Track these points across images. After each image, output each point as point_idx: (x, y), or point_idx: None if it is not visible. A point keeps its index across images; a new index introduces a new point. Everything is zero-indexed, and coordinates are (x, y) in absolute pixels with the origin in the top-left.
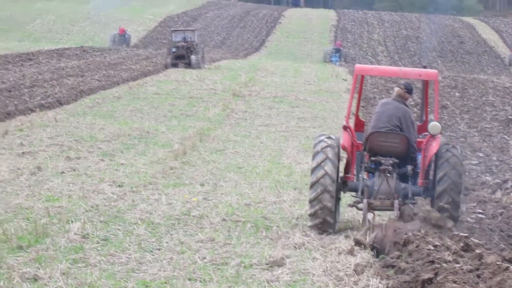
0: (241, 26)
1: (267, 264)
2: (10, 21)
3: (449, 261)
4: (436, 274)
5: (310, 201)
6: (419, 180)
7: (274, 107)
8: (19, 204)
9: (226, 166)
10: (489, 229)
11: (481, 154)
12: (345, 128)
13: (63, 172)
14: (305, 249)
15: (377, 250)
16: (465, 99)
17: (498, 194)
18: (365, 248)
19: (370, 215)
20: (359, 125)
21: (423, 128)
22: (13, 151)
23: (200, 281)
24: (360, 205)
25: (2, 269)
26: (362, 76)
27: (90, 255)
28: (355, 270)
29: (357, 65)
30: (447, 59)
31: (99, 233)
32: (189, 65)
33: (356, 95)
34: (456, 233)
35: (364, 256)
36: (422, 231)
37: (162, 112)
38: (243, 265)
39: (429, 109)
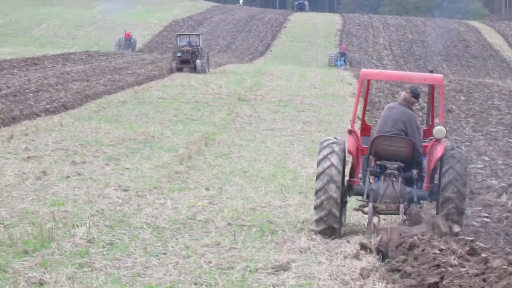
0: (246, 30)
1: (272, 268)
2: (15, 26)
3: (455, 265)
4: (442, 278)
5: (315, 208)
6: (424, 184)
7: (279, 111)
8: (25, 208)
9: (231, 170)
10: (494, 233)
11: (486, 158)
12: (350, 132)
13: (69, 177)
14: (311, 253)
15: (383, 253)
16: (470, 103)
17: (504, 198)
18: (370, 252)
19: (375, 219)
20: (365, 129)
21: (429, 132)
22: (19, 156)
23: (206, 286)
24: (366, 209)
25: (8, 274)
26: (368, 81)
27: (96, 260)
28: (360, 274)
29: (363, 70)
30: (452, 63)
31: (105, 237)
32: (194, 69)
33: (361, 100)
34: (461, 237)
35: (369, 260)
36: (428, 235)
37: (167, 117)
38: (248, 269)
39: (435, 113)
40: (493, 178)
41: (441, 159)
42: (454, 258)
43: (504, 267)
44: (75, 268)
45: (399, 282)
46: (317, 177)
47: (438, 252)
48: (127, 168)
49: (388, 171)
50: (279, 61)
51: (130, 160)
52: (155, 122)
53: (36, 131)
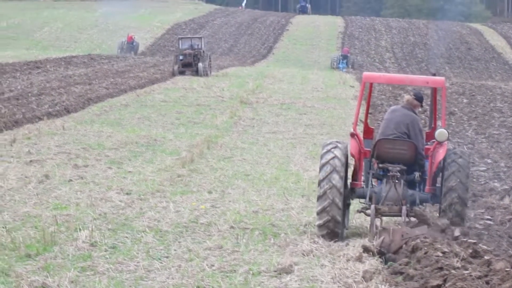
0: (248, 33)
1: (275, 271)
2: (18, 30)
3: (458, 268)
4: (444, 281)
5: (318, 213)
6: (427, 187)
7: (281, 114)
8: (27, 212)
9: (234, 174)
10: (497, 235)
11: (489, 161)
12: (353, 135)
13: (71, 180)
14: (314, 256)
15: (385, 255)
16: (473, 106)
17: (507, 200)
18: (373, 255)
19: (377, 221)
20: (368, 132)
21: (431, 135)
22: (21, 159)
23: None
24: (368, 211)
25: (11, 278)
26: (371, 84)
27: (99, 263)
28: (363, 277)
29: (365, 73)
30: (455, 65)
31: (107, 241)
32: (196, 72)
33: (364, 103)
34: (464, 239)
35: (372, 263)
36: (430, 238)
37: (170, 120)
38: (251, 272)
39: (437, 116)
40: (496, 181)
41: (443, 162)
42: (457, 261)
43: (507, 269)
44: (78, 271)
45: (402, 285)
46: (319, 183)
47: (441, 254)
48: (129, 172)
49: (391, 173)
50: (281, 64)
51: (132, 164)
52: (158, 126)
53: (38, 135)
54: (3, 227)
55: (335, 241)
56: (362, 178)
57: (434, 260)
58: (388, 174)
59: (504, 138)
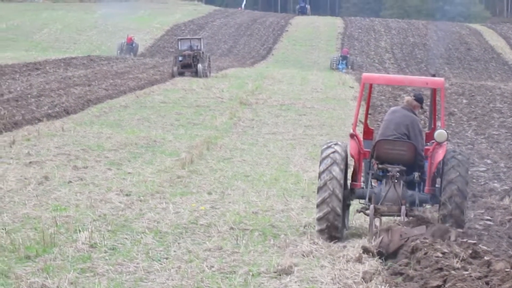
0: (248, 34)
1: (275, 272)
2: (17, 31)
3: (458, 268)
4: (444, 282)
5: (318, 205)
6: (426, 187)
7: (281, 115)
8: (27, 213)
9: (234, 175)
10: (497, 236)
11: (489, 161)
12: (352, 136)
13: (70, 182)
14: (313, 257)
15: (383, 255)
16: (472, 106)
17: (506, 201)
18: (373, 255)
19: (377, 221)
20: (368, 133)
21: (431, 135)
22: (20, 161)
23: None
24: (368, 211)
25: (10, 279)
26: (370, 85)
27: (98, 265)
28: (363, 278)
29: (364, 74)
30: (454, 66)
31: (107, 242)
32: (195, 73)
33: (363, 103)
34: (464, 240)
35: (372, 263)
36: (430, 239)
37: (169, 121)
38: (251, 273)
39: (436, 117)
40: (496, 181)
41: (442, 162)
42: (457, 261)
43: (507, 270)
44: (77, 273)
45: (402, 286)
46: (320, 175)
47: (440, 255)
48: (129, 173)
49: (390, 173)
50: (281, 65)
51: (132, 165)
52: (157, 127)
53: (38, 136)
54: (3, 229)
55: (334, 242)
56: (362, 178)
57: (434, 260)
58: (388, 174)
59: (503, 138)
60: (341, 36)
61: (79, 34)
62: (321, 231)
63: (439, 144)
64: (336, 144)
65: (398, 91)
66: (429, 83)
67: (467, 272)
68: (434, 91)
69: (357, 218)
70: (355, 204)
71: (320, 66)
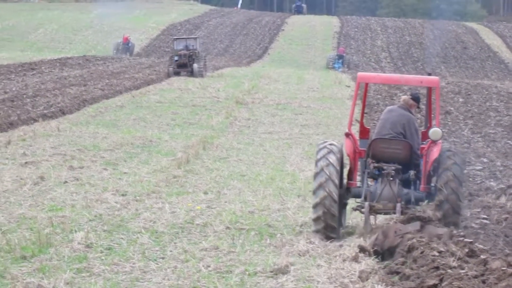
0: (244, 33)
1: (271, 271)
2: (13, 31)
3: (454, 267)
4: (441, 280)
5: (314, 206)
6: (421, 186)
7: (277, 114)
8: (23, 214)
9: (230, 174)
10: (493, 235)
11: (485, 160)
12: (347, 135)
13: (66, 182)
14: (310, 256)
15: (379, 252)
16: (469, 105)
17: (503, 200)
18: (369, 254)
19: (372, 219)
20: (364, 132)
21: (427, 134)
22: (16, 161)
23: None
24: (364, 209)
25: (6, 279)
26: (366, 84)
27: (94, 265)
28: (359, 277)
29: (360, 73)
30: (450, 64)
31: (103, 242)
32: (191, 73)
33: (360, 102)
34: (460, 238)
35: (368, 262)
36: (426, 238)
37: (165, 121)
38: (247, 273)
39: (433, 115)
40: (492, 180)
41: (437, 160)
42: (453, 260)
43: (503, 268)
44: (73, 273)
45: (398, 285)
46: (315, 176)
47: (437, 254)
48: (125, 173)
49: (385, 171)
50: (277, 64)
51: (128, 165)
52: (153, 127)
53: (33, 136)
54: None
55: (331, 241)
56: (357, 177)
57: (430, 259)
58: (383, 172)
59: (500, 137)
60: (337, 35)
61: (74, 34)
62: (317, 231)
63: (434, 142)
64: (331, 144)
65: (394, 90)
66: (424, 82)
67: (463, 271)
68: (430, 90)
69: (353, 217)
70: (352, 203)
71: (316, 65)
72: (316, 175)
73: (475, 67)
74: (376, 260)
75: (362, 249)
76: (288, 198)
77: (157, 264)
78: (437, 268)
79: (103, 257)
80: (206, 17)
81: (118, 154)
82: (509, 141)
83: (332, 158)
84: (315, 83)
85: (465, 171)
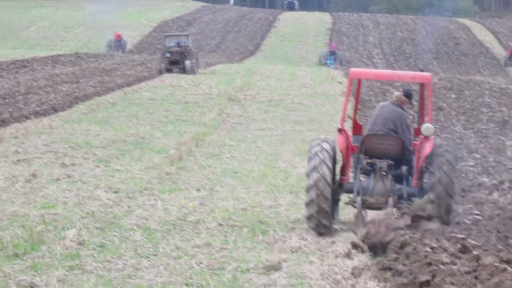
0: (236, 30)
1: (264, 268)
2: (5, 29)
3: (447, 263)
4: (433, 276)
5: (307, 204)
6: (414, 181)
7: (269, 111)
8: (15, 211)
9: (222, 171)
10: (486, 230)
11: (477, 156)
12: (340, 131)
13: (59, 179)
14: (302, 252)
15: (370, 246)
16: (461, 101)
17: (495, 195)
18: (362, 251)
19: (364, 213)
20: (357, 128)
21: (420, 130)
22: (8, 159)
23: (197, 286)
24: (356, 204)
25: None
26: (359, 80)
27: (86, 262)
28: (352, 273)
29: (352, 69)
30: (443, 60)
31: (95, 239)
32: (183, 70)
33: (352, 99)
34: (453, 234)
35: (361, 259)
36: (418, 234)
37: (158, 118)
38: (240, 269)
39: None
40: (485, 176)
41: (430, 156)
42: (446, 256)
43: (495, 264)
44: (66, 270)
45: (391, 281)
46: (308, 174)
47: (429, 250)
48: (117, 170)
49: (377, 167)
50: (269, 61)
51: (120, 162)
52: (145, 123)
53: (25, 134)
54: None
55: (323, 238)
56: (350, 173)
57: (422, 255)
58: (376, 168)
59: (492, 133)
60: (330, 32)
61: (66, 31)
62: (310, 229)
63: (427, 138)
64: (324, 141)
65: (387, 87)
66: (416, 78)
67: (456, 267)
68: (422, 86)
69: (346, 213)
70: (344, 199)
71: (309, 62)
72: (309, 173)
73: (467, 63)
74: (369, 256)
75: (354, 246)
76: (281, 195)
77: (150, 261)
78: (429, 264)
79: (95, 255)
80: (198, 13)
81: (110, 151)
82: (501, 137)
83: (325, 156)
84: (307, 80)
85: (458, 167)
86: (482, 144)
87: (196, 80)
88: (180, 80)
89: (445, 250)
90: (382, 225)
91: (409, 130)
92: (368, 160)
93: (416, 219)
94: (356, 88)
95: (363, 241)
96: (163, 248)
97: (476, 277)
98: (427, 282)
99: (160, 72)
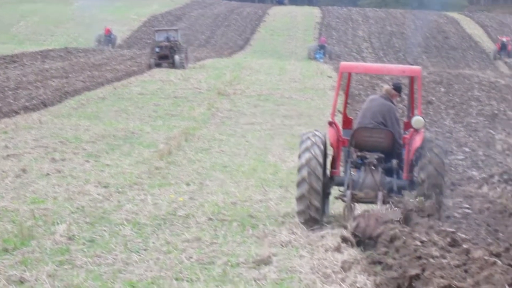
0: (225, 24)
1: (254, 262)
2: None
3: (436, 257)
4: (423, 270)
5: (297, 199)
6: (404, 174)
7: (259, 105)
8: (5, 206)
9: (212, 165)
10: (476, 224)
11: (467, 149)
12: (331, 124)
13: (48, 174)
14: (292, 246)
15: (360, 239)
16: (450, 95)
17: (485, 189)
18: (352, 245)
19: (354, 207)
20: (347, 122)
21: (410, 124)
22: None
23: (187, 281)
24: (346, 198)
25: None
26: (349, 74)
27: (76, 257)
28: (342, 267)
29: (342, 63)
30: (432, 54)
31: (85, 234)
32: (173, 64)
33: (342, 93)
34: (443, 228)
35: (351, 253)
36: (408, 228)
37: (147, 112)
38: (230, 264)
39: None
40: (474, 169)
41: (419, 149)
42: (436, 250)
43: (485, 257)
44: (56, 265)
45: (381, 274)
46: (299, 170)
47: (419, 243)
48: (107, 165)
49: (368, 160)
50: (259, 55)
51: (110, 157)
52: (135, 118)
53: (15, 129)
54: None
55: (313, 231)
56: (341, 166)
57: (412, 249)
58: (366, 161)
59: (481, 126)
60: (319, 26)
61: (56, 26)
62: (301, 223)
63: (417, 131)
64: (314, 135)
65: (376, 80)
66: (406, 71)
67: (445, 260)
68: (412, 80)
69: (336, 207)
70: (335, 193)
71: (298, 56)
72: (300, 168)
73: (457, 56)
74: (359, 250)
75: (344, 239)
76: (270, 189)
77: (140, 255)
78: (419, 257)
79: (85, 249)
80: (188, 8)
81: (100, 146)
82: (490, 131)
83: (316, 151)
84: (297, 74)
85: (447, 161)
86: (471, 137)
87: (186, 75)
88: (170, 75)
89: (435, 243)
90: (371, 218)
91: (398, 123)
92: (359, 153)
93: (406, 213)
94: (346, 82)
95: (353, 235)
96: (153, 242)
97: (466, 271)
98: (417, 276)
99: (150, 67)
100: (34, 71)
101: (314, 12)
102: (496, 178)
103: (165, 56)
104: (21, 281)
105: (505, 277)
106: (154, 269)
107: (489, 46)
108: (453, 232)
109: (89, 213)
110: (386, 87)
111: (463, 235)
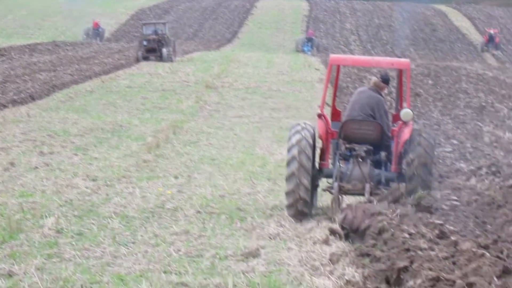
0: (213, 18)
1: (242, 255)
2: None
3: (425, 249)
4: (411, 262)
5: (287, 194)
6: (392, 166)
7: (247, 98)
8: None
9: (200, 158)
10: (464, 216)
11: (455, 141)
12: (320, 116)
13: (37, 167)
14: (280, 239)
15: (347, 231)
16: (438, 87)
17: (473, 181)
18: (340, 237)
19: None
20: (336, 114)
21: (398, 116)
22: None
23: (176, 274)
24: (333, 190)
25: None
26: (338, 66)
27: (65, 250)
28: (330, 260)
29: (332, 56)
30: (419, 47)
31: (73, 227)
32: (160, 58)
33: (331, 85)
34: (431, 220)
35: (339, 245)
36: (397, 220)
37: (135, 105)
38: (218, 256)
39: (403, 98)
40: (462, 161)
41: (408, 142)
42: (424, 242)
43: (473, 249)
44: (44, 259)
45: (369, 267)
46: (287, 164)
47: (407, 236)
48: (95, 158)
49: (356, 152)
50: (247, 48)
51: (98, 150)
52: (123, 111)
53: (3, 123)
54: None
55: (301, 224)
56: (330, 158)
57: (400, 241)
58: (354, 153)
59: (469, 119)
60: (306, 19)
61: (43, 19)
62: (290, 216)
63: (405, 123)
64: (303, 128)
65: (364, 73)
66: (395, 64)
67: (434, 253)
68: (400, 72)
69: (324, 200)
70: (323, 185)
71: (286, 49)
72: (288, 162)
73: (444, 49)
74: (347, 242)
75: (332, 232)
76: (258, 182)
77: (128, 248)
78: (407, 250)
79: (73, 242)
80: (176, 1)
81: (88, 139)
82: (478, 123)
83: (304, 144)
84: (285, 67)
85: (435, 153)
86: (459, 130)
87: (174, 68)
88: (158, 68)
89: (423, 236)
90: (359, 210)
91: (387, 116)
92: (347, 146)
93: (393, 202)
94: (335, 75)
95: (342, 227)
96: (141, 235)
97: (454, 263)
98: (405, 268)
99: (138, 60)
100: (22, 64)
101: (301, 5)
102: (484, 170)
103: (153, 49)
104: (10, 275)
105: (493, 269)
106: (142, 262)
107: (477, 38)
108: (441, 224)
109: (77, 206)
110: (374, 79)
111: (451, 227)
